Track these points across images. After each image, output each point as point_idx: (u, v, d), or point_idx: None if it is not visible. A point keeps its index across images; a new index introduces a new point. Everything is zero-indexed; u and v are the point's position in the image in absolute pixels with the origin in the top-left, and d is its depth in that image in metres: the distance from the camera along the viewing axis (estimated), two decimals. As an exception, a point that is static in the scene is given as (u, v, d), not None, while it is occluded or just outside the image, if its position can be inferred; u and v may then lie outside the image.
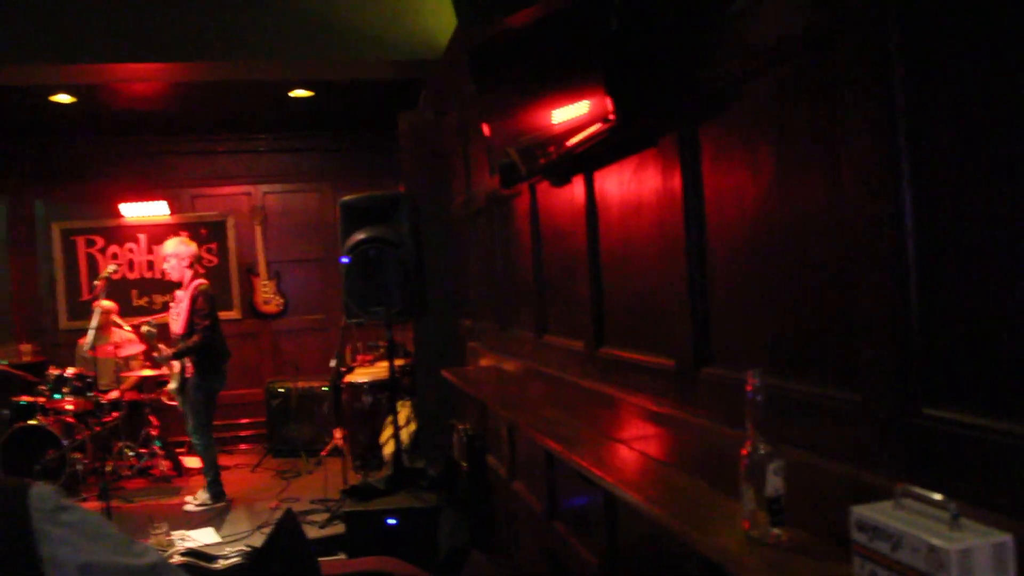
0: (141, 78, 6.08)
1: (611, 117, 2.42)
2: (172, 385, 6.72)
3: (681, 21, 2.27)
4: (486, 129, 3.15)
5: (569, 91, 2.65)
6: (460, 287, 5.92)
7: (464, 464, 5.12)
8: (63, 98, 7.20)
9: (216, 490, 6.69)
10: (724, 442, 2.02)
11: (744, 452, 1.69)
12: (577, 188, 3.18)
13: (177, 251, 6.61)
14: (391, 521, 5.01)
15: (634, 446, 2.62)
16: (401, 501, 5.13)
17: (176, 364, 6.59)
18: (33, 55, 5.24)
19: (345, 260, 5.29)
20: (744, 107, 2.01)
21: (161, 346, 6.60)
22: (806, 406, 1.75)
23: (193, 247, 6.85)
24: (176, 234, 9.00)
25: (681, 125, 2.29)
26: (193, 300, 6.49)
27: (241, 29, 5.37)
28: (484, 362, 5.12)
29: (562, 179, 3.31)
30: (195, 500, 6.66)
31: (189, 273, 6.64)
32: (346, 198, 5.40)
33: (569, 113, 2.66)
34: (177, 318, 6.55)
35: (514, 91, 3.04)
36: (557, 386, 3.51)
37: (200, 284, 6.58)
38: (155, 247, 8.95)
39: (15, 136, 8.29)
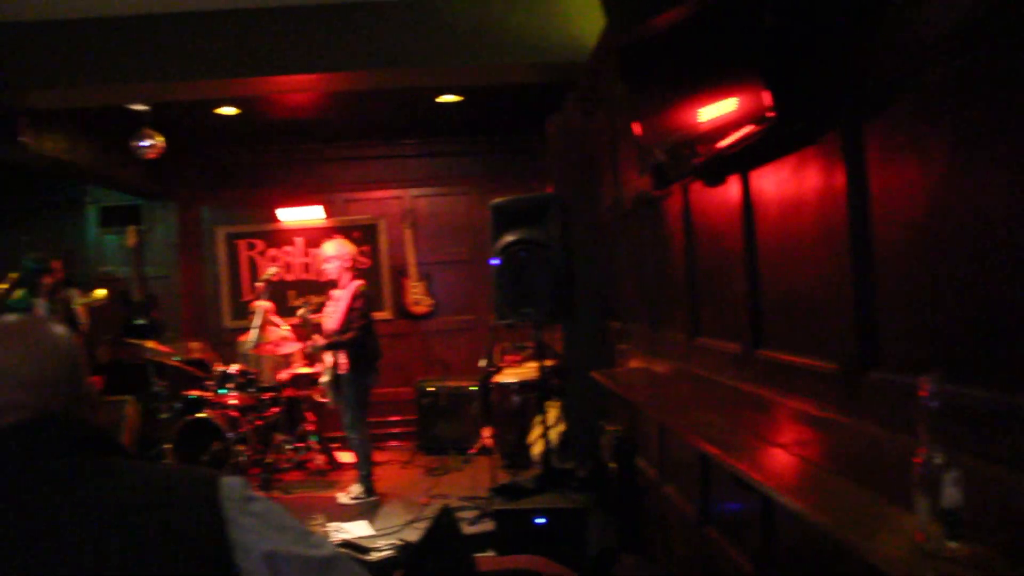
0: (298, 89, 6.33)
1: (768, 115, 2.37)
2: (324, 378, 6.92)
3: (842, 12, 2.20)
4: (637, 128, 3.13)
5: (719, 88, 2.61)
6: (609, 288, 5.90)
7: (613, 465, 5.11)
8: (227, 110, 7.57)
9: (369, 484, 6.88)
10: (892, 449, 1.94)
11: (917, 461, 1.62)
12: (732, 188, 3.13)
13: (339, 252, 6.84)
14: (540, 520, 5.04)
15: (792, 450, 2.55)
16: (550, 501, 5.15)
17: (329, 359, 6.80)
18: (200, 72, 5.55)
19: (495, 262, 5.35)
20: (913, 101, 1.93)
21: (315, 336, 6.84)
22: (988, 413, 1.66)
23: (353, 249, 7.08)
24: (330, 237, 9.36)
25: (844, 121, 2.21)
26: (352, 300, 6.69)
27: (392, 39, 5.50)
28: (633, 364, 5.08)
29: (716, 179, 3.25)
30: (349, 493, 6.88)
31: (348, 274, 6.84)
32: (496, 200, 5.46)
33: (718, 111, 2.61)
34: (333, 316, 6.76)
35: (663, 90, 3.00)
36: (710, 388, 3.45)
37: (360, 285, 6.79)
38: (311, 250, 9.30)
39: (184, 147, 8.77)
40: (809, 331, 2.54)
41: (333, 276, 6.86)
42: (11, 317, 1.57)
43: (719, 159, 2.91)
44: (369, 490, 6.87)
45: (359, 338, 6.60)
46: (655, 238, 4.47)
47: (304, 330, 7.13)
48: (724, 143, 2.68)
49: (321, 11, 5.51)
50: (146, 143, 6.80)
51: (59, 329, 1.57)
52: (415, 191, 9.62)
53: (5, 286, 7.05)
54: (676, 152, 3.15)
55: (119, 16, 5.53)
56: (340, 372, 6.69)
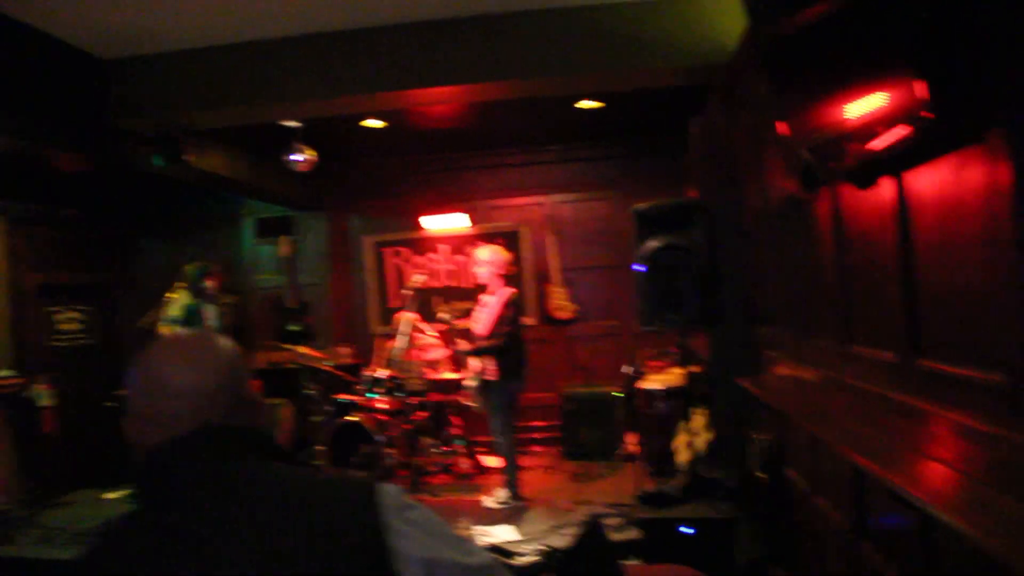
0: (440, 100, 6.44)
1: (923, 113, 2.27)
2: (471, 383, 6.99)
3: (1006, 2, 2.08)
4: (782, 127, 3.05)
5: (867, 83, 2.53)
6: (756, 293, 5.76)
7: (762, 475, 4.98)
8: (373, 123, 7.80)
9: (514, 489, 6.94)
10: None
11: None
12: (885, 189, 3.00)
13: (492, 258, 6.91)
14: (687, 530, 4.97)
15: (954, 466, 2.42)
16: (697, 510, 5.08)
17: (476, 364, 6.88)
18: (347, 88, 5.76)
19: (639, 268, 5.31)
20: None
21: (461, 341, 6.92)
22: None
23: (507, 256, 7.13)
24: (473, 244, 9.51)
25: (1010, 118, 2.09)
26: (503, 307, 6.74)
27: (531, 48, 5.56)
28: (781, 371, 4.94)
29: (868, 181, 3.13)
30: (495, 497, 6.94)
31: (499, 281, 6.91)
32: (639, 206, 5.42)
33: (867, 106, 2.53)
34: (482, 321, 6.83)
35: (809, 86, 2.94)
36: (862, 399, 3.32)
37: (512, 293, 6.85)
38: (455, 257, 9.46)
39: (333, 158, 9.06)
40: (971, 340, 2.41)
41: (484, 281, 6.94)
42: (178, 332, 1.66)
43: (871, 161, 2.80)
44: (514, 495, 6.93)
45: (505, 344, 6.66)
46: (803, 242, 4.34)
47: (449, 335, 7.25)
48: (877, 144, 2.57)
49: (462, 24, 5.62)
50: (298, 157, 7.09)
51: (222, 341, 1.65)
52: (557, 197, 9.65)
53: (175, 295, 7.46)
54: (823, 150, 3.05)
55: (270, 39, 5.80)
56: (487, 378, 6.76)
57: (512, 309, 6.77)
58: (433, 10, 5.57)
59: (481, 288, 7.04)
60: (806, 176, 3.76)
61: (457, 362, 7.46)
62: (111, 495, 8.23)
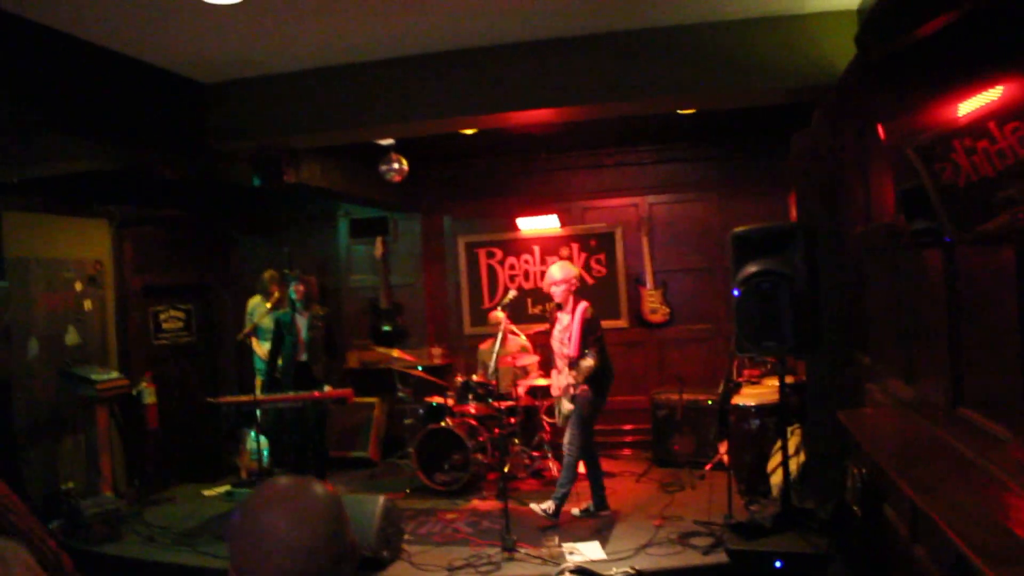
0: (537, 121, 6.40)
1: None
2: (566, 406, 6.82)
3: None
4: (890, 132, 3.01)
5: (981, 83, 2.62)
6: (858, 322, 5.56)
7: (857, 510, 4.84)
8: (468, 130, 7.79)
9: (600, 500, 6.88)
10: None
11: None
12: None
13: (566, 276, 6.76)
14: (778, 564, 4.87)
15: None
16: (788, 543, 4.97)
17: (562, 381, 6.79)
18: (441, 112, 5.79)
19: (736, 293, 5.20)
20: None
21: (572, 373, 6.70)
22: None
23: (576, 269, 7.02)
24: (567, 246, 9.46)
25: None
26: (584, 324, 6.66)
27: (635, 68, 5.48)
28: (882, 409, 4.77)
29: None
30: (581, 508, 6.91)
31: (572, 297, 6.81)
32: (738, 229, 5.31)
33: (980, 101, 2.59)
34: (568, 343, 6.74)
35: (919, 95, 2.96)
36: (967, 467, 3.16)
37: (587, 307, 6.75)
38: (548, 258, 9.42)
39: (427, 162, 9.12)
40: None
41: (560, 299, 6.82)
42: (279, 481, 1.64)
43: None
44: (600, 505, 6.87)
45: (600, 362, 6.58)
46: (910, 278, 4.16)
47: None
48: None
49: (565, 44, 5.57)
50: (392, 168, 7.15)
51: (322, 491, 1.63)
52: (652, 198, 9.51)
53: (254, 301, 7.60)
54: (930, 149, 2.98)
55: (367, 61, 5.85)
56: (577, 393, 6.67)
57: (594, 323, 6.68)
58: (536, 31, 5.52)
59: (557, 306, 6.93)
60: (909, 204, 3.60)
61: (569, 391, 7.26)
62: (210, 492, 8.49)
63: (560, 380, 6.85)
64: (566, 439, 6.83)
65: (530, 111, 5.79)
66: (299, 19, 5.02)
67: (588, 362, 6.53)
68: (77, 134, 5.22)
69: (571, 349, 6.66)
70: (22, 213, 7.55)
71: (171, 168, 6.48)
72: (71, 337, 8.05)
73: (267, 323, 8.18)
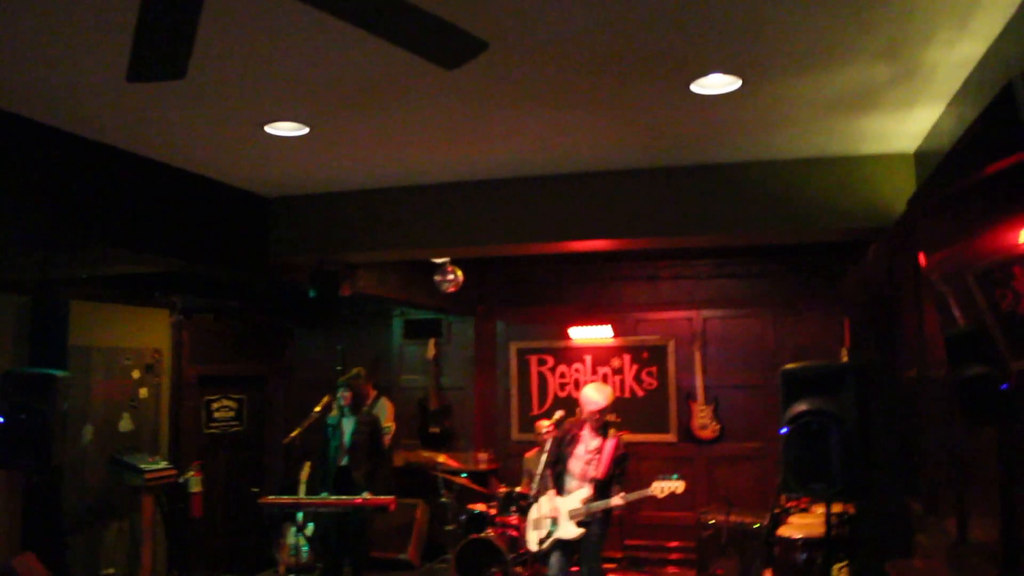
0: (594, 250, 6.48)
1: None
2: (570, 530, 6.49)
3: None
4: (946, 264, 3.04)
5: None
6: (909, 467, 5.43)
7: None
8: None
9: None
10: None
11: None
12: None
13: (608, 399, 6.63)
14: None
15: None
16: None
17: (578, 504, 6.51)
18: (496, 237, 5.93)
19: (784, 431, 5.12)
20: None
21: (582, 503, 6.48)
22: None
23: (609, 391, 6.89)
24: (619, 356, 9.43)
25: None
26: (619, 455, 6.51)
27: (691, 206, 5.55)
28: (933, 557, 4.62)
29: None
30: None
31: (603, 419, 6.63)
32: (788, 366, 5.24)
33: None
34: (595, 464, 6.52)
35: (980, 230, 3.00)
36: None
37: (622, 435, 6.65)
38: (599, 368, 9.41)
39: (484, 267, 9.21)
40: None
41: (592, 421, 6.60)
42: None
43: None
44: None
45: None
46: (965, 430, 4.06)
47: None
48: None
49: (620, 177, 5.68)
50: (447, 279, 7.27)
51: None
52: (706, 312, 9.45)
53: (319, 408, 7.66)
54: (990, 276, 2.99)
55: (426, 184, 6.02)
56: (598, 515, 6.49)
57: (626, 458, 6.58)
58: (595, 163, 5.63)
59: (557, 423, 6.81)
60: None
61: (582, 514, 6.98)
62: (248, 586, 8.47)
63: (566, 502, 6.56)
64: (589, 569, 6.56)
65: (587, 241, 5.86)
66: (360, 148, 5.20)
67: (617, 500, 6.38)
68: (143, 250, 5.41)
69: (599, 471, 6.49)
70: (88, 303, 7.77)
71: (233, 274, 6.65)
72: (125, 424, 8.17)
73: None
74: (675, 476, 6.40)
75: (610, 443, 6.52)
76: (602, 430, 6.59)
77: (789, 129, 4.84)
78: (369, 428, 7.68)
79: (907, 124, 4.65)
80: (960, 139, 3.79)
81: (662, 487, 6.33)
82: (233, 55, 3.59)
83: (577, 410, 6.69)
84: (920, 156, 5.07)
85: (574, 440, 6.68)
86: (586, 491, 6.46)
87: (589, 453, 6.58)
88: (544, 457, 7.16)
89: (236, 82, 3.97)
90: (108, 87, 3.95)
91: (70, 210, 4.83)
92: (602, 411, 6.58)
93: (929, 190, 4.66)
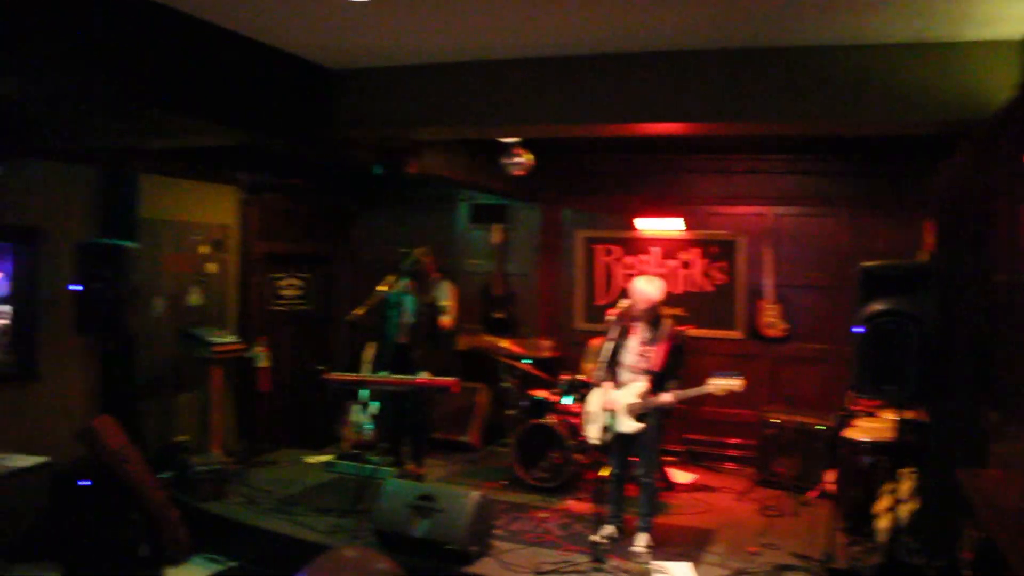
0: (668, 133, 6.22)
1: None
2: (628, 425, 6.39)
3: None
4: None
5: None
6: (991, 373, 5.22)
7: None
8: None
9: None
10: None
11: None
12: None
13: (662, 293, 6.47)
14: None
15: None
16: (890, 599, 4.75)
17: (635, 392, 6.38)
18: (568, 117, 5.71)
19: (859, 330, 4.97)
20: None
21: (663, 396, 6.29)
22: None
23: (661, 283, 6.64)
24: (688, 250, 9.25)
25: None
26: (675, 348, 6.37)
27: (780, 89, 5.24)
28: (1010, 475, 4.47)
29: None
30: (637, 547, 6.35)
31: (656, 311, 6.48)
32: (867, 264, 5.06)
33: None
34: (649, 355, 6.38)
35: None
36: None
37: (678, 328, 6.50)
38: (667, 261, 9.27)
39: (551, 153, 8.99)
40: None
41: (644, 314, 6.43)
42: (345, 553, 1.61)
43: None
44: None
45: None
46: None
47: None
48: None
49: (698, 57, 5.38)
50: (515, 162, 7.12)
51: (382, 566, 1.58)
52: (779, 209, 9.17)
53: (385, 288, 7.67)
54: None
55: (496, 59, 5.80)
56: (659, 405, 6.34)
57: (682, 350, 6.44)
58: (673, 41, 5.32)
59: (631, 316, 6.59)
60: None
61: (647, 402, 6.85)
62: (312, 459, 8.70)
63: (623, 395, 6.44)
64: (646, 460, 6.52)
65: (661, 124, 5.62)
66: (431, 14, 4.96)
67: (668, 397, 6.26)
68: (206, 117, 5.33)
69: (654, 363, 6.33)
70: (158, 176, 7.82)
71: (295, 149, 6.58)
72: (194, 298, 8.33)
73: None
74: (735, 373, 6.25)
75: (665, 335, 6.39)
76: (655, 323, 6.46)
77: (883, 9, 4.51)
78: (429, 309, 7.70)
79: (1017, 6, 4.29)
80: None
81: (719, 384, 6.19)
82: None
83: (630, 302, 6.51)
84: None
85: (627, 332, 6.58)
86: (642, 384, 6.37)
87: (643, 346, 6.46)
88: (609, 345, 7.05)
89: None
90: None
91: (136, 76, 4.74)
92: (654, 304, 6.44)
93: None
